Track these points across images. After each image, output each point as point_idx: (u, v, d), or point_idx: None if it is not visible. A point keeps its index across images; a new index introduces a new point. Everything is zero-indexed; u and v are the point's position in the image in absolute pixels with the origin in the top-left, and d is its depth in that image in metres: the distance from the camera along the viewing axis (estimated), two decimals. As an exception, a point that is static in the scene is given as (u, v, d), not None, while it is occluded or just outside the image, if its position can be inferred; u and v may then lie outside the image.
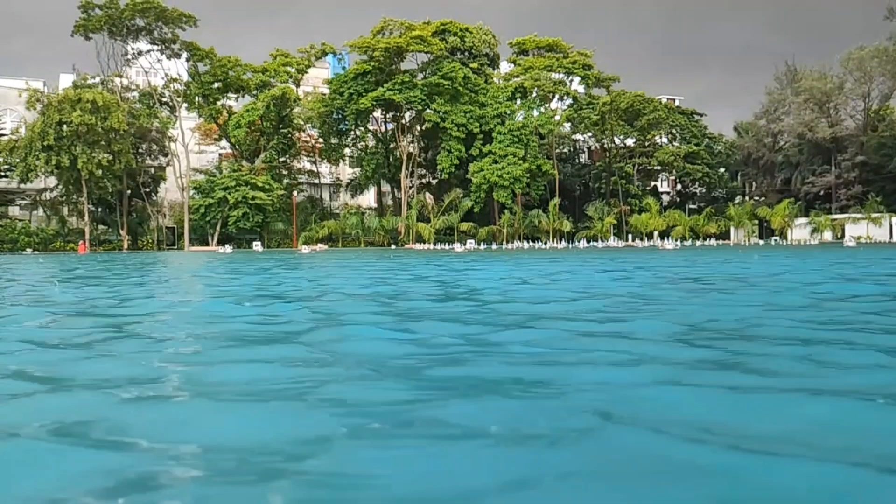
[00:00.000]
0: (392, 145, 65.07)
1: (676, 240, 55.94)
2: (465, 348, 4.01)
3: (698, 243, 55.60)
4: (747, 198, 72.88)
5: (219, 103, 63.07)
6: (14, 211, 61.06)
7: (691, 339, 4.26)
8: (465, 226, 60.61)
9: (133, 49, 60.27)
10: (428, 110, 59.65)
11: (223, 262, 24.30)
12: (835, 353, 3.66)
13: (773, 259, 19.61)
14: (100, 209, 60.44)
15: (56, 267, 20.47)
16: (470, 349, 3.98)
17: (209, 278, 14.15)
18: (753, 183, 72.89)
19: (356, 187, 68.96)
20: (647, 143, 70.80)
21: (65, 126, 52.22)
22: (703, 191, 73.96)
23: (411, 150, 63.18)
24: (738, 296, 7.55)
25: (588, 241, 58.69)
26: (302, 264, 20.35)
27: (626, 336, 4.34)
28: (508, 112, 60.74)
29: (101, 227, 61.09)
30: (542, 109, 62.54)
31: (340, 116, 62.44)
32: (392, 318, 5.70)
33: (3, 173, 56.48)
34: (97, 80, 59.25)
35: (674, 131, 71.66)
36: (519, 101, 62.47)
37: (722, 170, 73.47)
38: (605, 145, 69.82)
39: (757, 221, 66.45)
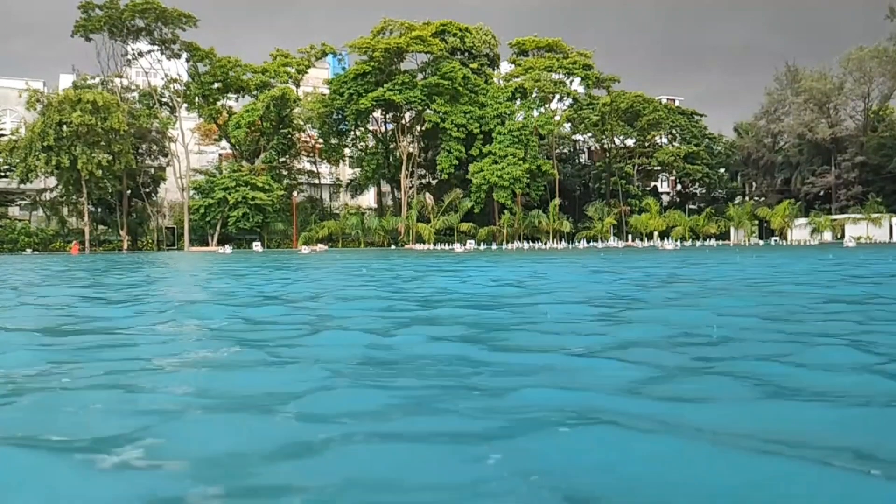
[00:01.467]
0: (392, 145, 65.10)
1: (676, 240, 55.93)
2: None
3: (698, 244, 55.59)
4: (747, 198, 72.87)
5: (219, 103, 63.12)
6: (14, 211, 61.11)
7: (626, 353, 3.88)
8: (465, 226, 60.62)
9: (133, 49, 60.34)
10: (428, 111, 59.68)
11: (214, 263, 24.29)
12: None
13: (768, 259, 19.62)
14: (100, 209, 60.50)
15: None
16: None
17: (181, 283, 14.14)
18: (753, 183, 72.87)
19: (356, 187, 69.01)
20: (647, 144, 70.81)
21: (65, 126, 52.27)
22: (703, 191, 73.96)
23: (411, 150, 63.19)
24: (715, 301, 7.43)
25: (588, 242, 58.70)
26: (294, 266, 20.35)
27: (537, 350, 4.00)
28: (508, 112, 60.73)
29: (100, 227, 61.15)
30: (542, 110, 62.55)
31: (340, 117, 62.47)
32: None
33: (2, 173, 56.52)
34: (97, 80, 59.29)
35: (674, 132, 71.70)
36: (519, 102, 62.46)
37: (722, 170, 73.48)
38: (605, 146, 69.84)
39: (757, 222, 66.47)
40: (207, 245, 57.80)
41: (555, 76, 62.66)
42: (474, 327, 5.11)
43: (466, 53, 65.33)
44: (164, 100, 62.40)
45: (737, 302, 7.01)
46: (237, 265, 20.58)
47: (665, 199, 75.94)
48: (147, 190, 61.52)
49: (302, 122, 64.36)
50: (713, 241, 59.65)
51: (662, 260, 20.73)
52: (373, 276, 13.18)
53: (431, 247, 53.76)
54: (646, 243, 53.95)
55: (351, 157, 67.43)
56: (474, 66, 63.04)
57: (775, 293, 7.94)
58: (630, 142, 71.01)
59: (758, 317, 5.46)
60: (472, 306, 6.96)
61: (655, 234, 58.94)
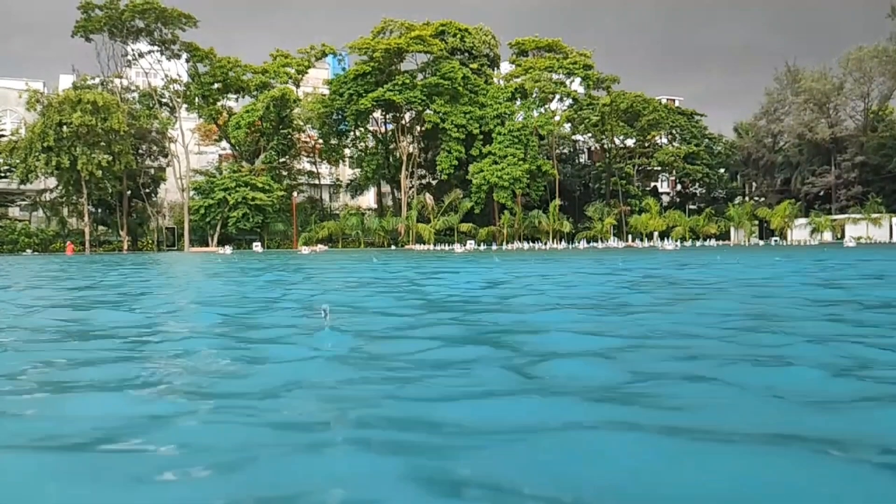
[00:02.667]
0: (392, 146, 65.13)
1: (676, 240, 55.92)
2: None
3: (698, 244, 55.58)
4: (747, 198, 72.83)
5: (218, 104, 63.17)
6: (14, 212, 61.18)
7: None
8: (465, 226, 60.63)
9: (133, 50, 60.38)
10: (427, 111, 59.70)
11: (202, 265, 24.31)
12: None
13: (765, 259, 19.63)
14: (100, 210, 60.56)
15: None
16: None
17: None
18: (753, 183, 72.83)
19: (356, 188, 69.00)
20: (646, 144, 70.80)
21: (65, 127, 52.33)
22: (703, 191, 73.93)
23: (411, 150, 63.21)
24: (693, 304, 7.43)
25: (588, 242, 58.69)
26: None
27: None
28: (508, 113, 60.74)
29: (101, 227, 61.21)
30: (542, 110, 62.52)
31: (340, 117, 62.49)
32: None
33: (3, 174, 56.58)
34: (97, 80, 59.35)
35: (674, 132, 71.66)
36: (519, 102, 62.46)
37: (722, 170, 73.44)
38: (605, 146, 69.83)
39: (757, 222, 66.42)
40: (207, 245, 57.82)
41: (555, 76, 62.63)
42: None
43: (466, 54, 65.34)
44: (163, 100, 62.45)
45: (720, 305, 7.00)
46: (221, 267, 20.60)
47: (665, 199, 75.92)
48: (147, 190, 61.56)
49: (302, 123, 64.39)
50: (713, 242, 59.63)
51: (659, 261, 20.74)
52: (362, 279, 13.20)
53: (431, 247, 53.77)
54: (646, 244, 53.93)
55: (351, 157, 67.44)
56: (474, 66, 63.05)
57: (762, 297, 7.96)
58: (630, 142, 71.00)
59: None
60: (449, 310, 6.99)
61: (655, 234, 58.87)
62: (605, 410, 2.63)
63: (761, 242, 57.38)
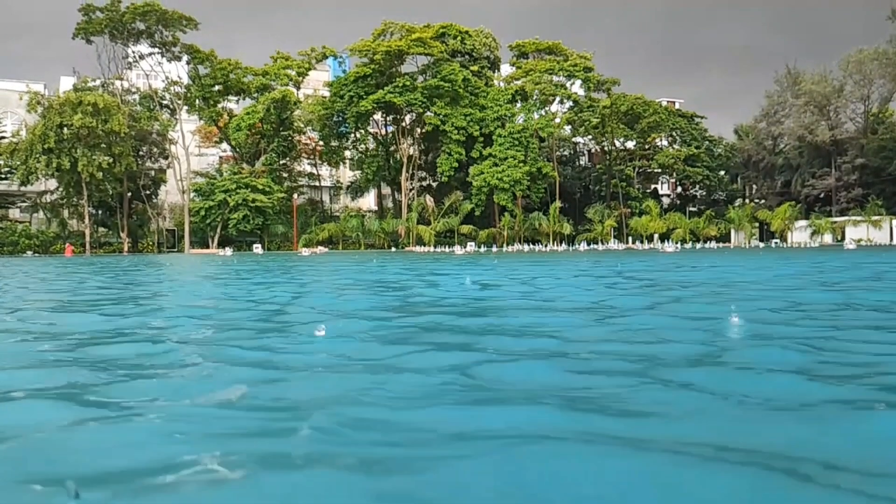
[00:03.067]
0: (392, 148, 65.15)
1: (676, 242, 55.88)
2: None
3: (698, 246, 55.53)
4: (747, 200, 72.80)
5: (219, 106, 63.23)
6: (14, 213, 61.25)
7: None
8: (465, 228, 60.62)
9: (134, 52, 60.46)
10: (428, 113, 59.73)
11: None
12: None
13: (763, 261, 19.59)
14: (100, 212, 60.62)
15: None
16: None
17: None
18: (754, 185, 72.80)
19: (356, 190, 69.05)
20: (647, 146, 70.79)
21: (65, 129, 52.41)
22: (704, 193, 73.91)
23: (411, 152, 63.22)
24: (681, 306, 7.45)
25: (588, 244, 58.67)
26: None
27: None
28: (509, 115, 60.74)
29: (101, 229, 61.25)
30: (543, 112, 62.51)
31: (341, 119, 62.54)
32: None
33: (3, 176, 56.65)
34: (98, 82, 59.42)
35: (674, 134, 71.66)
36: (519, 104, 62.46)
37: (722, 172, 73.43)
38: (606, 148, 69.82)
39: (757, 224, 66.35)
40: (208, 247, 57.84)
41: (555, 79, 62.62)
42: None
43: (467, 56, 65.36)
44: (164, 102, 62.54)
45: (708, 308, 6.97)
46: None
47: (665, 201, 75.89)
48: (147, 192, 61.61)
49: (302, 125, 64.45)
50: (714, 244, 59.56)
51: (659, 263, 20.70)
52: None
53: (432, 249, 53.75)
54: (646, 246, 53.90)
55: (351, 159, 67.50)
56: (475, 68, 63.08)
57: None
58: (630, 144, 70.99)
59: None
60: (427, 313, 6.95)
61: (656, 236, 58.88)
62: (585, 420, 2.58)
63: (761, 245, 57.31)
